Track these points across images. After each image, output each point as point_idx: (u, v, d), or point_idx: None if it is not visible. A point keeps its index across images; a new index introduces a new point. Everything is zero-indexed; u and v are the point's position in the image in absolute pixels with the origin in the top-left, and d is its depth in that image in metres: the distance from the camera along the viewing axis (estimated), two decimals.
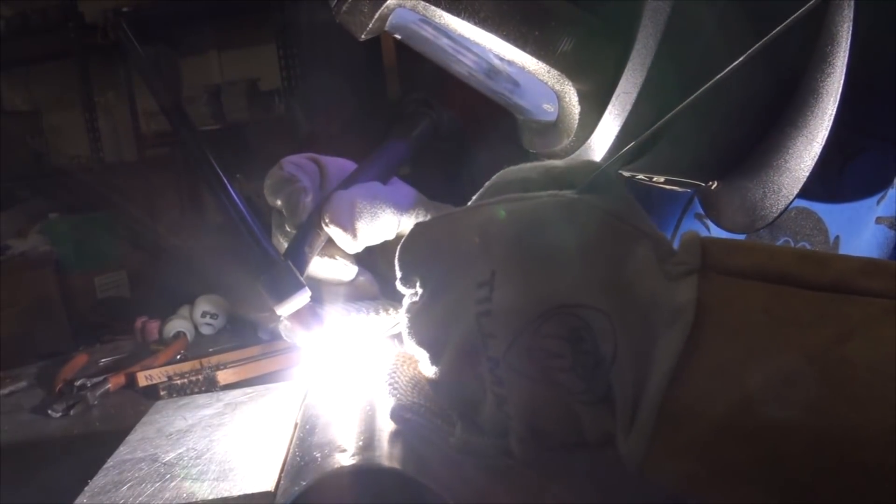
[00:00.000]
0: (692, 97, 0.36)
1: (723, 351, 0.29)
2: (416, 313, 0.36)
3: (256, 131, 3.08)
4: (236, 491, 0.46)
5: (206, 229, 3.35)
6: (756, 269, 0.30)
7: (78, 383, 0.90)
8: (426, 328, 0.35)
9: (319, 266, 0.54)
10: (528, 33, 0.42)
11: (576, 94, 0.43)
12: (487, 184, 0.37)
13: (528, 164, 0.37)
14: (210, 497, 0.46)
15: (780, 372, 0.27)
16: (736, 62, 0.33)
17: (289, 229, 0.54)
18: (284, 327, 0.52)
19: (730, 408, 0.28)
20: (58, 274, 2.85)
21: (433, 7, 0.42)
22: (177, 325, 1.15)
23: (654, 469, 0.30)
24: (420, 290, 0.36)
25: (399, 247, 0.36)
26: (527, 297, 0.31)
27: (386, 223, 0.52)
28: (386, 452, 0.39)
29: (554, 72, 0.43)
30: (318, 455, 0.41)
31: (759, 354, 0.28)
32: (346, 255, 0.54)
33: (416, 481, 0.37)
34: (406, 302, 0.37)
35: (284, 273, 0.49)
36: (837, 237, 0.49)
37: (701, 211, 0.58)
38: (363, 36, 0.46)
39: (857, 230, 0.47)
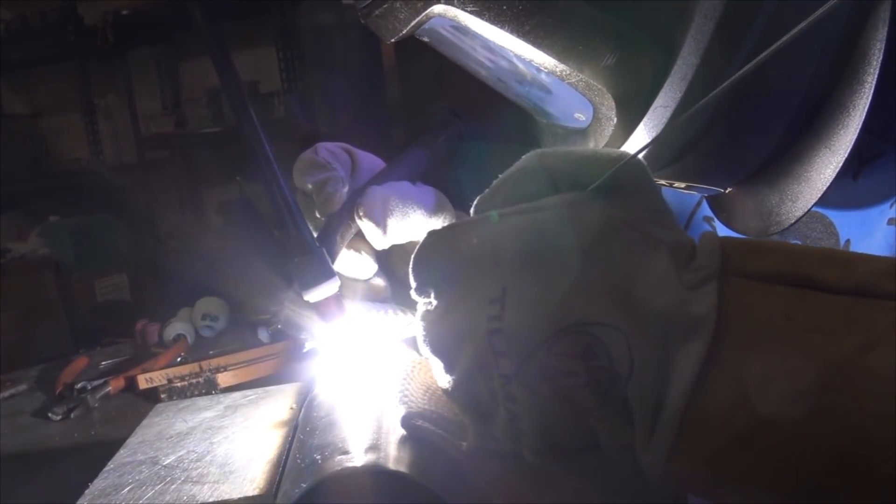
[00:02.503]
0: (698, 105, 0.36)
1: (744, 361, 0.28)
2: (430, 323, 0.35)
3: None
4: (236, 493, 0.46)
5: (206, 231, 3.35)
6: (777, 271, 0.29)
7: (78, 386, 0.90)
8: (440, 339, 0.35)
9: (344, 259, 0.54)
10: (572, 47, 0.42)
11: (614, 106, 0.43)
12: (515, 166, 0.36)
13: (556, 152, 0.36)
14: (210, 500, 0.46)
15: (804, 383, 0.27)
16: (742, 70, 0.33)
17: (318, 216, 0.54)
18: (286, 319, 0.52)
19: (751, 419, 0.27)
20: (58, 277, 2.85)
21: (475, 18, 0.42)
22: (177, 327, 1.15)
23: (675, 477, 0.29)
24: (434, 301, 0.36)
25: (413, 255, 0.36)
26: (538, 315, 0.30)
27: (415, 223, 0.53)
28: (389, 455, 0.39)
29: (595, 84, 0.42)
30: (319, 457, 0.40)
31: (782, 365, 0.27)
32: (370, 251, 0.55)
33: (419, 484, 0.37)
34: (420, 309, 0.37)
35: (317, 260, 0.49)
36: (848, 241, 0.49)
37: (709, 214, 0.58)
38: (392, 40, 0.46)
39: (868, 233, 0.47)
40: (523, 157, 0.36)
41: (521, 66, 0.45)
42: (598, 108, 0.44)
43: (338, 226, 0.52)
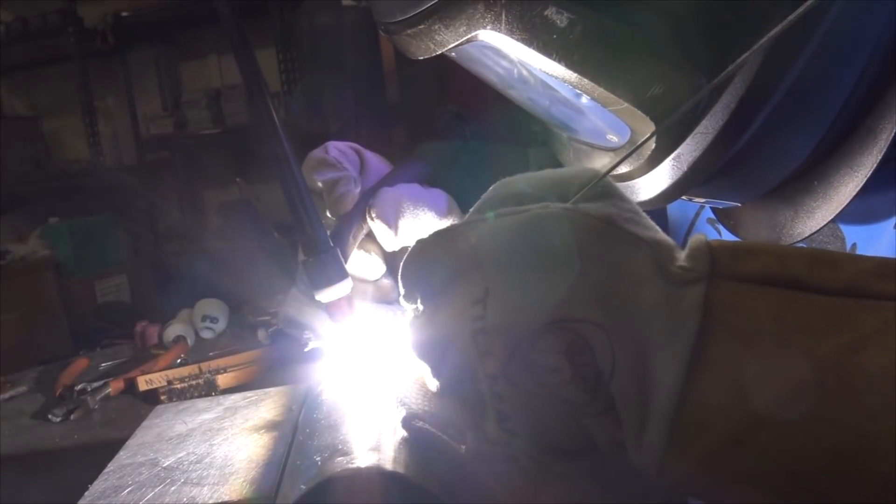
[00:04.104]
0: (666, 122, 0.37)
1: (734, 362, 0.28)
2: (417, 329, 0.36)
3: (256, 135, 3.08)
4: (236, 495, 0.46)
5: (206, 233, 3.36)
6: (766, 274, 0.29)
7: (78, 388, 0.90)
8: (426, 344, 0.35)
9: (354, 259, 0.54)
10: (620, 77, 0.41)
11: (655, 132, 0.42)
12: (483, 197, 0.37)
13: (523, 176, 0.36)
14: (210, 501, 0.46)
15: (794, 383, 0.27)
16: (717, 78, 0.33)
17: (329, 215, 0.54)
18: (286, 318, 0.53)
19: (743, 421, 0.27)
20: (58, 278, 2.85)
21: (522, 45, 0.41)
22: (177, 329, 1.14)
23: (668, 477, 0.30)
24: (421, 307, 0.36)
25: (402, 263, 0.36)
26: (520, 313, 0.30)
27: (426, 224, 0.53)
28: (388, 456, 0.39)
29: (638, 113, 0.42)
30: (319, 459, 0.40)
31: (772, 366, 0.27)
32: (380, 253, 0.55)
33: (419, 486, 0.37)
34: (409, 316, 0.37)
35: (331, 260, 0.49)
36: (854, 245, 0.48)
37: (713, 216, 0.58)
38: (421, 57, 0.45)
39: (875, 237, 0.47)
40: (492, 186, 0.36)
41: (559, 89, 0.45)
42: (635, 133, 0.44)
43: (350, 226, 0.52)
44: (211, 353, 1.03)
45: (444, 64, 0.51)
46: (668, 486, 0.30)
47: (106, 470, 0.53)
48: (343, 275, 0.49)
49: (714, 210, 0.57)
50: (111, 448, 0.58)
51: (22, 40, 3.40)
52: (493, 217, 0.34)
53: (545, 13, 0.39)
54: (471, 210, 0.37)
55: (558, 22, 0.39)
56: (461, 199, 0.57)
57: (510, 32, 0.40)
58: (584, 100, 0.44)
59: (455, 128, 0.61)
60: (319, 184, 0.54)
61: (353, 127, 2.57)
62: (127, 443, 0.59)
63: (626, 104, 0.41)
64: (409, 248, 0.36)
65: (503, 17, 0.40)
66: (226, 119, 3.32)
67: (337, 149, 0.56)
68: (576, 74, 0.41)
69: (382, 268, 0.56)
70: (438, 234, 0.35)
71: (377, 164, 0.58)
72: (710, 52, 0.40)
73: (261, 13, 3.07)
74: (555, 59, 0.40)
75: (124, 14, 3.33)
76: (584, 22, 0.39)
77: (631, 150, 0.41)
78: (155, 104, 3.60)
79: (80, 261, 2.96)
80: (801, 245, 0.50)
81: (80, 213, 3.17)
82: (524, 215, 0.32)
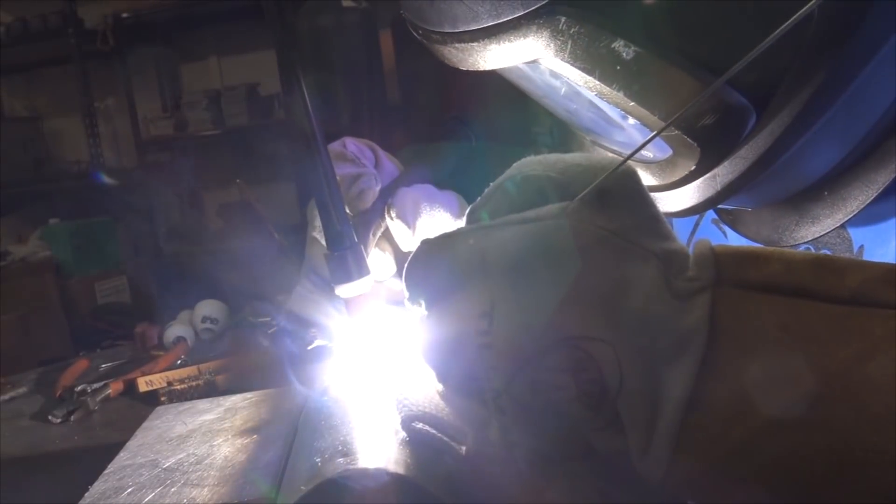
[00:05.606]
0: (668, 123, 0.37)
1: (740, 373, 0.28)
2: (423, 334, 0.36)
3: (256, 136, 3.09)
4: (236, 496, 0.46)
5: (206, 234, 3.36)
6: (772, 281, 0.29)
7: (78, 389, 0.90)
8: (431, 349, 0.35)
9: (371, 257, 0.54)
10: (675, 108, 0.40)
11: (699, 156, 0.42)
12: (505, 174, 0.36)
13: (550, 159, 0.35)
14: (210, 502, 0.46)
15: (801, 394, 0.27)
16: (710, 87, 0.34)
17: (347, 210, 0.54)
18: (290, 315, 0.53)
19: (749, 432, 0.27)
20: (58, 279, 2.85)
21: (584, 74, 0.40)
22: (177, 330, 1.14)
23: (672, 483, 0.29)
24: (426, 311, 0.36)
25: (406, 266, 0.36)
26: (526, 331, 0.30)
27: (442, 225, 0.53)
28: (389, 457, 0.39)
29: (686, 139, 0.41)
30: (319, 460, 0.40)
31: (778, 376, 0.27)
32: (393, 251, 0.55)
33: (419, 487, 0.37)
34: (415, 318, 0.37)
35: (355, 256, 0.49)
36: (862, 247, 0.48)
37: (716, 216, 0.58)
38: (463, 69, 0.45)
39: (883, 240, 0.47)
40: (513, 165, 0.36)
41: (605, 109, 0.45)
42: (678, 153, 0.43)
43: (370, 223, 0.53)
44: (211, 354, 1.03)
45: (445, 65, 0.51)
46: (671, 492, 0.30)
47: (106, 471, 0.53)
48: (365, 271, 0.50)
49: (716, 210, 0.57)
50: (111, 449, 0.58)
51: (22, 41, 3.40)
52: (486, 216, 0.34)
53: (612, 45, 0.39)
54: (492, 184, 0.36)
55: (624, 55, 0.39)
56: (467, 200, 0.57)
57: (573, 60, 0.40)
58: (631, 121, 0.44)
59: (461, 131, 0.62)
60: (337, 177, 0.54)
61: (353, 127, 2.57)
62: (127, 444, 0.59)
63: (676, 131, 0.41)
64: (413, 251, 0.36)
65: (569, 46, 0.39)
66: (226, 120, 3.32)
67: (354, 144, 0.56)
68: (632, 102, 0.41)
69: (394, 267, 0.56)
70: (443, 238, 0.35)
71: (389, 162, 0.59)
72: (757, 81, 0.40)
73: (261, 14, 3.07)
74: (615, 88, 0.40)
75: (124, 15, 3.33)
76: (648, 55, 0.39)
77: (637, 147, 0.40)
78: (155, 105, 3.60)
79: (80, 262, 2.96)
80: (807, 247, 0.50)
81: (80, 214, 3.16)
82: (533, 226, 0.32)
